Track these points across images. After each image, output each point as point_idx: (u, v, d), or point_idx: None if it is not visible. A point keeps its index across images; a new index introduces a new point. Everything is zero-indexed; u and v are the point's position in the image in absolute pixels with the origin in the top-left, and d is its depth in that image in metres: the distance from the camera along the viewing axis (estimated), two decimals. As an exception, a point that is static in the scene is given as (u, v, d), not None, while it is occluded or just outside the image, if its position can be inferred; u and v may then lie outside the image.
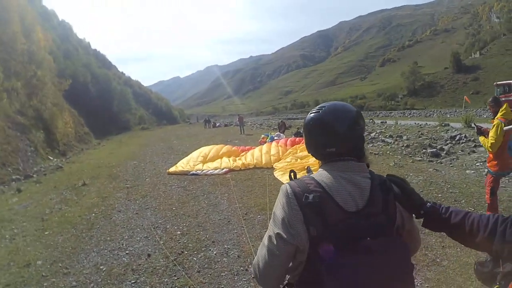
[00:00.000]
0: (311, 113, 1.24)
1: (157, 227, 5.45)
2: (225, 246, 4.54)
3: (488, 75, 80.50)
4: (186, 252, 4.42)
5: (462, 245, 3.78)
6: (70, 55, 33.72)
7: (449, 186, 6.76)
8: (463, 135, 12.23)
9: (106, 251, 4.65)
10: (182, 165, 10.18)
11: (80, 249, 4.74)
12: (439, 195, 6.20)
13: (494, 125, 4.29)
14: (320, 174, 1.18)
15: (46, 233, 5.49)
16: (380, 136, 15.12)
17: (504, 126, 4.22)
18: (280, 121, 20.53)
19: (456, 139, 11.90)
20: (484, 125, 5.07)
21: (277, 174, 8.55)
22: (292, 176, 1.29)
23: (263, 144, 12.61)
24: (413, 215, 1.25)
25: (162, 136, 26.24)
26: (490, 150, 4.40)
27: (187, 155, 11.39)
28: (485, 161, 9.00)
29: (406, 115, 51.26)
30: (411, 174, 8.10)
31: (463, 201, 5.97)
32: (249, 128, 30.15)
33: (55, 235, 5.35)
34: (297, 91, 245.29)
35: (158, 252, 4.48)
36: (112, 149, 19.23)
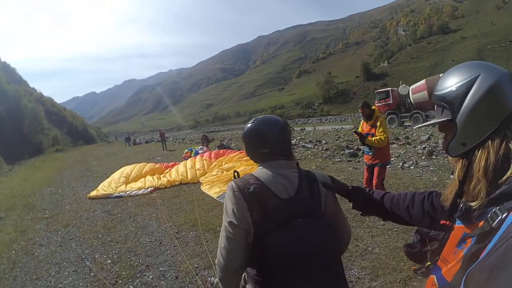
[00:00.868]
0: (248, 124, 1.54)
1: (84, 258, 4.91)
2: (161, 269, 4.26)
3: (396, 81, 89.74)
4: (120, 281, 4.03)
5: (389, 232, 4.09)
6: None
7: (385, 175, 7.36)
8: (401, 133, 13.44)
9: (33, 291, 4.06)
10: (103, 188, 9.43)
11: (4, 293, 4.09)
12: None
13: (381, 122, 5.05)
14: (258, 171, 1.44)
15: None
16: (300, 142, 15.85)
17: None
18: (202, 134, 20.37)
19: (394, 138, 13.02)
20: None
21: (204, 188, 8.38)
22: (236, 176, 1.55)
23: (187, 159, 12.35)
24: (340, 198, 1.51)
25: (79, 158, 24.25)
26: (383, 144, 5.02)
27: (108, 177, 10.61)
28: (398, 156, 10.11)
29: (323, 121, 54.90)
30: (332, 175, 8.53)
31: (393, 191, 6.50)
32: (172, 143, 29.38)
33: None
34: (218, 104, 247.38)
35: (90, 285, 4.03)
36: (26, 175, 17.14)
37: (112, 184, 9.62)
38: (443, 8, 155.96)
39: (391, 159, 9.75)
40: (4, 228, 7.06)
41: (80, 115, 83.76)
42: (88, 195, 9.14)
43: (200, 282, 3.72)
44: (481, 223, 0.82)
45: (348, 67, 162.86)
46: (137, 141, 37.62)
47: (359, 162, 10.06)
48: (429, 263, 3.75)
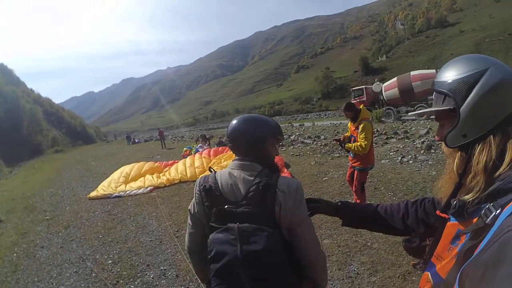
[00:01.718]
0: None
1: (85, 259, 4.94)
2: (161, 268, 4.29)
3: (394, 75, 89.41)
4: (121, 281, 4.06)
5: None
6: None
7: (367, 176, 7.32)
8: (375, 129, 13.42)
9: (35, 293, 4.08)
10: (103, 188, 9.44)
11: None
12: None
13: (363, 126, 4.64)
14: (221, 170, 1.53)
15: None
16: (299, 138, 15.83)
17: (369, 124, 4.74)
18: (199, 135, 20.25)
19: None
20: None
21: (203, 186, 8.37)
22: (209, 171, 1.61)
23: (186, 158, 12.35)
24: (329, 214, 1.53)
25: (79, 158, 24.19)
26: (364, 151, 4.68)
27: (107, 177, 10.62)
28: (397, 150, 10.13)
29: (322, 116, 54.83)
30: (331, 170, 8.63)
31: (382, 188, 6.54)
32: (171, 141, 29.29)
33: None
34: (217, 101, 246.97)
35: (92, 286, 4.06)
36: (26, 177, 17.16)
37: (112, 184, 9.63)
38: (441, 2, 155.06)
39: (390, 153, 9.82)
40: (5, 231, 7.09)
41: (79, 115, 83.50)
42: (88, 196, 9.16)
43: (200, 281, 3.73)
44: (475, 219, 0.82)
45: (347, 61, 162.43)
46: (136, 140, 37.44)
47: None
48: (428, 257, 3.78)
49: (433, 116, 1.04)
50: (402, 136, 12.54)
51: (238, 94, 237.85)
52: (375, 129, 13.44)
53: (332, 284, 3.40)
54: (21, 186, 13.86)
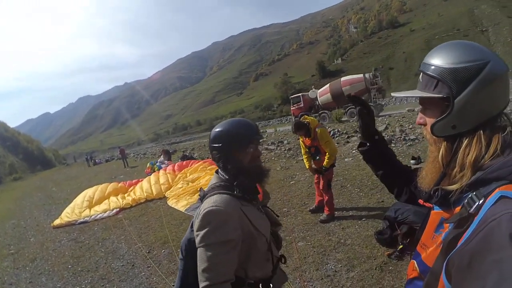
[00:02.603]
0: None
1: (57, 292, 4.64)
2: (137, 292, 4.11)
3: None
4: (97, 311, 3.83)
5: (359, 222, 4.18)
6: None
7: (333, 175, 7.48)
8: (336, 129, 13.80)
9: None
10: (67, 215, 8.94)
11: None
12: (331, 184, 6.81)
13: (320, 133, 4.84)
14: None
15: None
16: (263, 144, 15.92)
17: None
18: (162, 150, 19.86)
19: (331, 135, 13.32)
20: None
21: (171, 202, 8.20)
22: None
23: (148, 173, 12.00)
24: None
25: (39, 184, 22.94)
26: (336, 151, 5.00)
27: (70, 202, 10.09)
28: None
29: (283, 121, 55.65)
30: (297, 174, 8.75)
31: (349, 185, 6.71)
32: (133, 159, 28.48)
33: None
34: (178, 114, 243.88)
35: None
36: (-15, 210, 15.92)
37: (76, 209, 9.16)
38: (391, 4, 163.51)
39: (353, 151, 10.11)
40: (-32, 270, 6.53)
41: (35, 139, 79.85)
42: (52, 224, 8.67)
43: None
44: (458, 208, 0.83)
45: (304, 66, 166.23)
46: (97, 160, 35.99)
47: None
48: (401, 246, 3.90)
49: (410, 98, 1.00)
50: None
51: (199, 105, 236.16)
52: (336, 130, 13.82)
53: (311, 285, 3.41)
54: (-20, 219, 12.85)
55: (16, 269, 6.06)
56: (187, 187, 8.98)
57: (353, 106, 1.42)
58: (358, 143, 1.41)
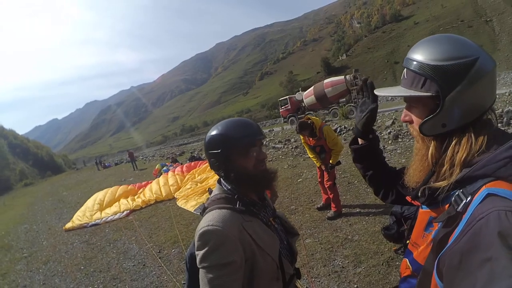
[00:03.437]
0: None
1: (70, 293, 4.75)
2: (148, 291, 4.18)
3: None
4: (109, 311, 3.92)
5: (366, 219, 4.19)
6: None
7: (340, 172, 7.51)
8: (343, 126, 13.76)
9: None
10: (78, 218, 9.10)
11: None
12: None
13: (326, 132, 4.87)
14: None
15: None
16: (270, 143, 15.92)
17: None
18: (171, 157, 20.08)
19: (337, 132, 13.30)
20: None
21: (180, 203, 8.29)
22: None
23: (156, 176, 12.06)
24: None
25: (50, 190, 23.26)
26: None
27: (81, 206, 10.26)
28: None
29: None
30: (305, 171, 8.76)
31: (356, 181, 6.71)
32: (142, 162, 28.70)
33: None
34: (184, 116, 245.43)
35: None
36: (-2, 216, 16.24)
37: (87, 212, 9.31)
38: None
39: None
40: (-16, 274, 6.69)
41: (45, 145, 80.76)
42: (64, 228, 8.82)
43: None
44: (446, 206, 0.83)
45: (309, 63, 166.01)
46: (107, 164, 36.38)
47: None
48: (408, 241, 3.88)
49: (396, 96, 0.95)
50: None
51: (205, 106, 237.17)
52: (343, 126, 13.78)
53: (319, 281, 3.44)
54: (-7, 225, 13.14)
55: (29, 271, 6.19)
56: (196, 187, 9.06)
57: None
58: (350, 140, 1.35)
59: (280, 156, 12.30)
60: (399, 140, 9.75)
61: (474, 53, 0.81)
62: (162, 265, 4.79)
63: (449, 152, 0.85)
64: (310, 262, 3.84)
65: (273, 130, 26.91)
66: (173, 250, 5.31)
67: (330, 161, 4.97)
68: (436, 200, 0.86)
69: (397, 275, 3.21)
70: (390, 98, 36.64)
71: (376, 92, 1.09)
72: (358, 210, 5.18)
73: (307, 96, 26.90)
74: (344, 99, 24.76)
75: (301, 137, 5.37)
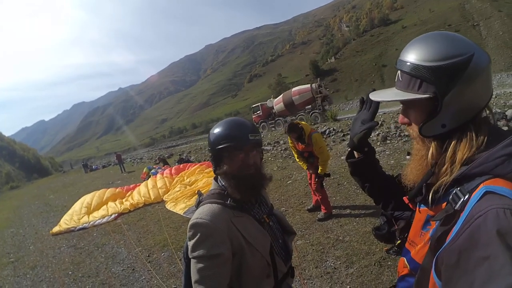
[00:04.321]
0: None
1: (58, 298, 4.64)
2: (138, 297, 4.11)
3: (344, 75, 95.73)
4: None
5: (357, 219, 4.21)
6: None
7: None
8: (331, 128, 13.83)
9: None
10: (65, 222, 8.91)
11: None
12: (323, 184, 6.85)
13: (316, 140, 4.80)
14: None
15: None
16: (263, 150, 15.94)
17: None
18: (159, 158, 19.93)
19: (326, 133, 13.37)
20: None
21: (169, 206, 8.20)
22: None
23: (144, 179, 11.94)
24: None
25: (36, 193, 22.77)
26: (329, 156, 5.01)
27: (68, 209, 10.06)
28: None
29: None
30: (294, 173, 8.78)
31: (345, 183, 6.74)
32: (130, 164, 28.40)
33: None
34: (173, 118, 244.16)
35: None
36: (-18, 220, 15.81)
37: (74, 216, 9.13)
38: (383, 2, 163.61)
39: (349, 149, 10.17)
40: (-31, 281, 6.50)
41: (31, 147, 79.49)
42: (51, 232, 8.63)
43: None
44: (443, 204, 0.82)
45: (297, 66, 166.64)
46: (94, 167, 35.80)
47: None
48: (399, 241, 3.89)
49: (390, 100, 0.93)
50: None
51: (194, 108, 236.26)
52: (331, 128, 13.87)
53: (311, 282, 3.44)
54: (-22, 230, 12.79)
55: (17, 277, 6.03)
56: (185, 190, 8.97)
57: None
58: (347, 154, 1.32)
59: (270, 158, 12.30)
60: (388, 141, 9.85)
61: (469, 50, 0.80)
62: (151, 269, 4.72)
63: (449, 151, 0.84)
64: (302, 263, 3.83)
65: (262, 131, 27.03)
66: (163, 254, 5.24)
67: (318, 171, 4.91)
68: (434, 198, 0.85)
69: (389, 275, 3.23)
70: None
71: (371, 96, 1.04)
72: (348, 211, 5.20)
73: (277, 103, 28.71)
74: (310, 106, 25.93)
75: (289, 140, 5.32)
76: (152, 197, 9.44)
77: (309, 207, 5.66)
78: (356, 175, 1.30)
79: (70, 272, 5.55)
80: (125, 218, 8.29)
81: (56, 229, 8.67)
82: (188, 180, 10.00)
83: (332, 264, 3.68)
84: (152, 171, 14.78)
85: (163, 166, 15.71)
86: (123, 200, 9.92)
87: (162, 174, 11.57)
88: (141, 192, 9.90)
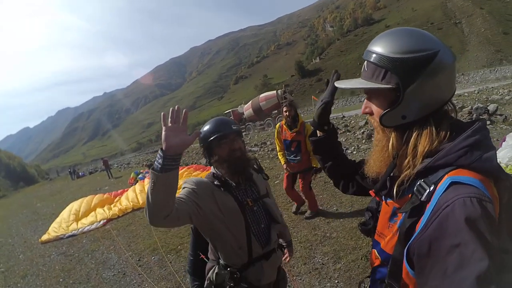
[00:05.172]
0: None
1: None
2: (130, 301, 4.12)
3: (329, 75, 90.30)
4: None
5: (343, 216, 4.31)
6: None
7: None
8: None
9: None
10: (54, 230, 8.79)
11: None
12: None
13: (308, 127, 4.78)
14: None
15: None
16: (246, 147, 15.96)
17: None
18: (148, 164, 19.85)
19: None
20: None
21: (158, 210, 8.18)
22: None
23: (132, 184, 11.83)
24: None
25: (23, 201, 22.32)
26: None
27: (56, 217, 9.91)
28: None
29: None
30: (282, 173, 8.83)
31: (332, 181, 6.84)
32: (117, 170, 28.12)
33: None
34: (159, 121, 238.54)
35: None
36: (-31, 230, 15.40)
37: (63, 223, 9.02)
38: (366, 1, 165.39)
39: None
40: (-40, 293, 6.37)
41: (16, 155, 77.83)
42: (40, 240, 8.50)
43: None
44: (409, 196, 0.85)
45: (283, 67, 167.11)
46: (81, 173, 35.27)
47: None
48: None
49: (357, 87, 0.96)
50: (343, 130, 13.19)
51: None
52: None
53: (300, 279, 3.52)
54: (-34, 241, 12.49)
55: (7, 287, 5.96)
56: (173, 193, 8.96)
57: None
58: (310, 133, 1.38)
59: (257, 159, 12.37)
60: (372, 139, 10.01)
61: (435, 47, 0.83)
62: (142, 273, 4.74)
63: (410, 144, 0.86)
64: (290, 261, 3.91)
65: (248, 133, 27.11)
66: (153, 258, 5.25)
67: (314, 165, 4.79)
68: (398, 191, 0.88)
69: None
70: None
71: (336, 84, 1.09)
72: (335, 208, 5.31)
73: (247, 109, 30.77)
74: (276, 111, 27.04)
75: (276, 130, 5.13)
76: (141, 202, 9.38)
77: (293, 211, 5.53)
78: (318, 154, 1.37)
79: (61, 280, 5.51)
80: (114, 224, 8.25)
81: (45, 237, 8.56)
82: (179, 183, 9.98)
83: (320, 260, 3.77)
84: (140, 176, 14.67)
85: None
86: (112, 205, 9.83)
87: (149, 178, 11.51)
88: (129, 197, 9.83)
